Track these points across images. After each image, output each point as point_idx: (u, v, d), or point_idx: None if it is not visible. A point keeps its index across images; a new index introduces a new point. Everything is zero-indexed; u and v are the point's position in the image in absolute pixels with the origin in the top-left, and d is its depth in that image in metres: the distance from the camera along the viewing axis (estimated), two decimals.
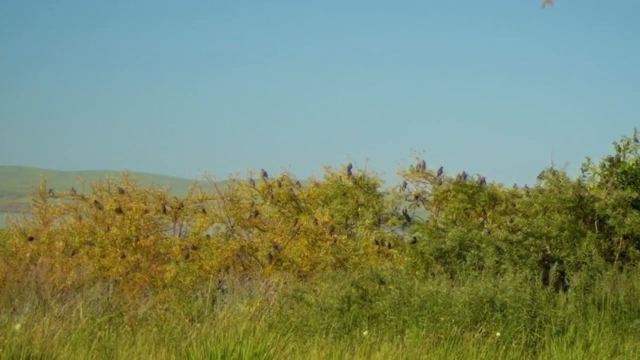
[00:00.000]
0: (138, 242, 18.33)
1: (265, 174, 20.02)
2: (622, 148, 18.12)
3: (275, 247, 18.25)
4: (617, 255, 16.21)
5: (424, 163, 19.32)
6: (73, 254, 18.09)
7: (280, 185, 19.90)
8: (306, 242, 18.18)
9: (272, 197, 19.85)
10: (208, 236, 18.99)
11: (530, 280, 14.34)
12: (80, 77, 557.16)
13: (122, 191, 19.34)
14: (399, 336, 13.31)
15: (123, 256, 18.10)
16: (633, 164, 17.80)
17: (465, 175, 18.23)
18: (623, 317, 14.23)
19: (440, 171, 19.10)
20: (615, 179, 17.73)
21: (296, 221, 18.77)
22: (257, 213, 19.22)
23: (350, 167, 19.74)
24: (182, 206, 19.51)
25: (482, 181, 18.18)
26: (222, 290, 16.33)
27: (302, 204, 20.02)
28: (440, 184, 18.82)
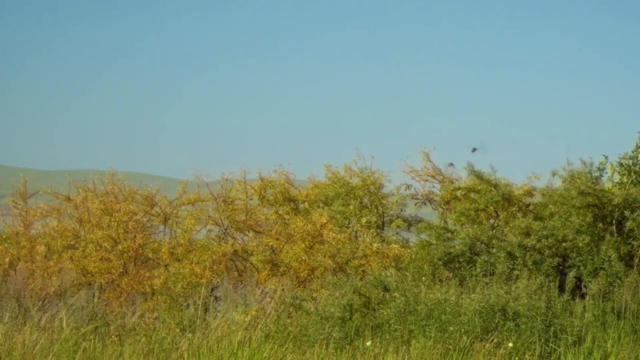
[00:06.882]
0: (125, 245, 18.21)
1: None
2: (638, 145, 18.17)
3: (272, 251, 18.19)
4: (637, 260, 16.14)
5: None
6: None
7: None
8: (303, 245, 18.09)
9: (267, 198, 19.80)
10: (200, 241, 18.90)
11: (545, 287, 14.27)
12: (64, 71, 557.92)
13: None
14: (404, 347, 13.26)
15: (109, 260, 18.00)
16: None
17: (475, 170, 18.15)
18: None
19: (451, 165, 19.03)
20: (634, 177, 17.73)
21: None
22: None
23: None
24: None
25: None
26: (215, 298, 16.25)
27: (301, 205, 19.97)
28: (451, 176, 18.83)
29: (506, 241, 16.08)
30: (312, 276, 17.57)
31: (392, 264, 17.25)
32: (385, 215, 19.62)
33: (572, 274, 15.23)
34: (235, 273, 17.93)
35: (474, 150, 18.68)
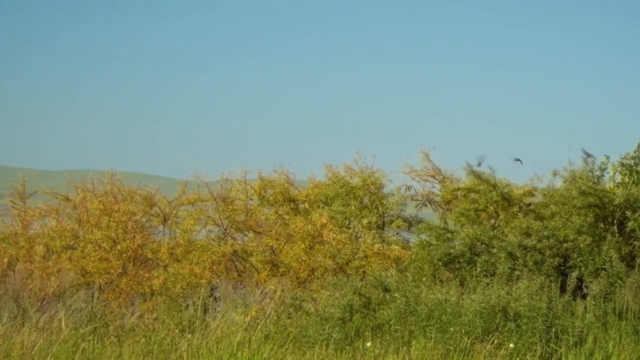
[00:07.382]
0: (124, 246, 18.21)
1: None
2: None
3: (272, 251, 18.17)
4: (638, 261, 16.13)
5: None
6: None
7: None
8: (303, 245, 18.09)
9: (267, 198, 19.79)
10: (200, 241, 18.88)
11: (546, 287, 14.25)
12: (63, 71, 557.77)
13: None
14: (405, 348, 13.25)
15: (108, 260, 17.99)
16: None
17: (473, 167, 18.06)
18: None
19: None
20: (636, 177, 17.72)
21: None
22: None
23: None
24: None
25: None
26: (215, 298, 16.24)
27: (301, 205, 19.96)
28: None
29: (507, 241, 16.07)
30: (312, 277, 17.57)
31: (393, 264, 17.24)
32: (386, 215, 19.62)
33: (573, 275, 15.20)
34: (235, 273, 17.92)
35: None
